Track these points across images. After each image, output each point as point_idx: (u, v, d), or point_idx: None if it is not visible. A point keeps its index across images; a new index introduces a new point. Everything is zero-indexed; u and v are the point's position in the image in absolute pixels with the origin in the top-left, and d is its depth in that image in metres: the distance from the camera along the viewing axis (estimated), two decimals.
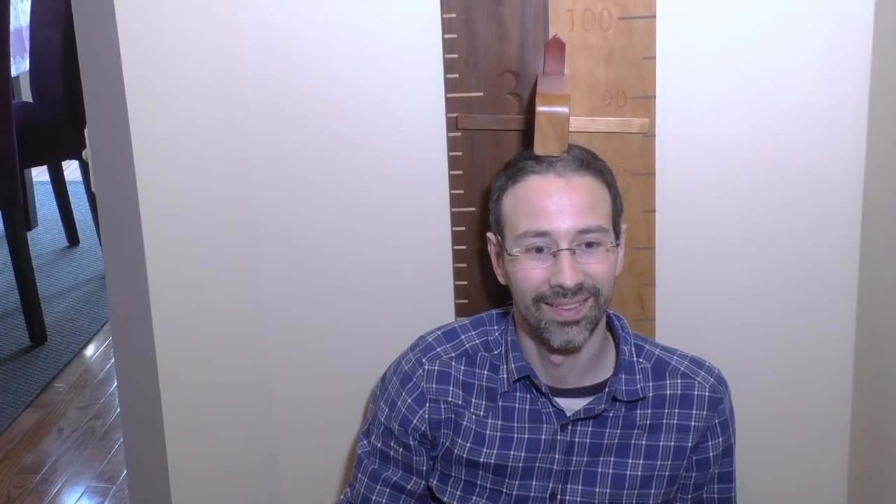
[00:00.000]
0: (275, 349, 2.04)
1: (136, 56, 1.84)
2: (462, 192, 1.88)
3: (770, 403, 2.01)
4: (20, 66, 4.23)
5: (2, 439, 3.14)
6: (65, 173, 4.35)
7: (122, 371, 2.16)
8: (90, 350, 3.67)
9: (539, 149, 1.68)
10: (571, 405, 1.70)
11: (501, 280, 1.72)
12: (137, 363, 2.05)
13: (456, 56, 1.82)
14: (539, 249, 1.60)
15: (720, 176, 1.88)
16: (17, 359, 3.60)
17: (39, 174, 4.74)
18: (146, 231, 1.93)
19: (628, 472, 1.71)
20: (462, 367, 1.74)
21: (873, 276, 1.89)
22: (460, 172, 1.87)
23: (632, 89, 1.81)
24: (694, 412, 1.73)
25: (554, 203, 1.60)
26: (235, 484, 2.06)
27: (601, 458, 1.71)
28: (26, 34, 4.19)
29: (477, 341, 1.76)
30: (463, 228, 1.90)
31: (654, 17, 1.78)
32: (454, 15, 1.80)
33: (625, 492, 1.72)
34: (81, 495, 2.89)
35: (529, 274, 1.61)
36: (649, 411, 1.71)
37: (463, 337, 1.77)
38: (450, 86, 1.83)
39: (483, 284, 1.92)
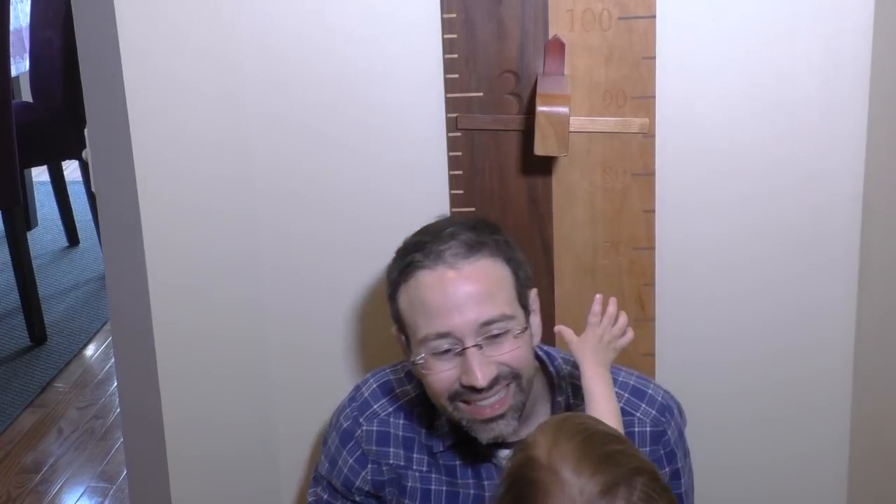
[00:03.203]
0: (275, 349, 2.04)
1: (135, 56, 1.84)
2: (462, 192, 1.88)
3: (770, 403, 2.01)
4: (20, 66, 4.23)
5: (2, 439, 3.14)
6: (65, 173, 4.35)
7: (122, 371, 2.16)
8: (90, 350, 3.67)
9: (539, 149, 1.68)
10: None
11: (410, 367, 1.60)
12: (137, 363, 2.05)
13: (456, 56, 1.82)
14: (444, 350, 1.49)
15: (720, 176, 1.88)
16: (17, 359, 3.60)
17: (39, 174, 4.74)
18: (146, 231, 1.93)
19: None
20: (401, 422, 1.65)
21: (873, 277, 1.89)
22: (460, 173, 1.87)
23: (632, 89, 1.81)
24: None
25: (449, 299, 1.48)
26: (235, 484, 2.06)
27: None
28: (26, 34, 4.19)
29: (413, 395, 1.65)
30: None
31: (654, 17, 1.79)
32: (454, 15, 1.80)
33: None
34: (81, 495, 2.89)
35: (439, 377, 1.50)
36: None
37: (399, 391, 1.67)
38: (450, 86, 1.83)
39: None
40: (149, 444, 2.05)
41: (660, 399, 1.64)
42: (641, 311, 1.91)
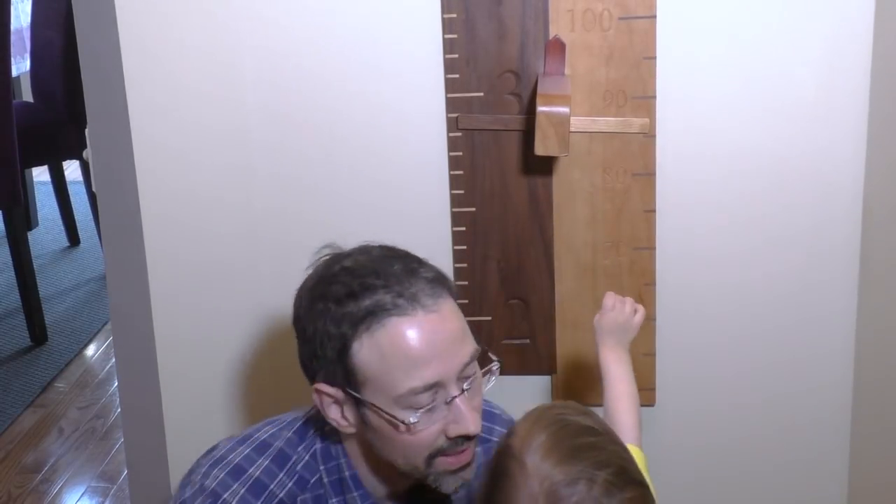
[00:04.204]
0: (275, 350, 2.04)
1: (136, 56, 1.84)
2: (462, 192, 1.88)
3: (770, 403, 2.01)
4: (21, 66, 4.22)
5: (2, 439, 3.14)
6: (65, 173, 4.35)
7: (123, 371, 2.16)
8: (91, 350, 3.67)
9: (539, 149, 1.68)
10: None
11: (343, 429, 1.39)
12: (138, 363, 2.05)
13: (456, 56, 1.82)
14: (429, 404, 1.33)
15: (720, 176, 1.88)
16: (18, 359, 3.59)
17: (40, 174, 4.74)
18: (146, 231, 1.93)
19: None
20: None
21: (874, 277, 1.89)
22: (461, 172, 1.87)
23: (632, 89, 1.81)
24: None
25: (436, 347, 1.32)
26: None
27: None
28: (27, 34, 4.18)
29: (290, 484, 1.42)
30: (463, 228, 1.90)
31: (654, 17, 1.79)
32: (455, 15, 1.80)
33: None
34: (82, 495, 2.88)
35: (426, 434, 1.33)
36: (464, 493, 1.47)
37: (273, 486, 1.41)
38: (450, 86, 1.83)
39: (483, 284, 1.92)
40: (149, 444, 2.06)
41: (500, 414, 1.58)
42: None
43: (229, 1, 1.83)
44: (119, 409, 3.09)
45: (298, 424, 1.47)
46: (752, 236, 1.91)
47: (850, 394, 1.99)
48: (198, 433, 1.99)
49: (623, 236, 1.88)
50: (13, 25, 3.77)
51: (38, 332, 3.68)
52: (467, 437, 1.35)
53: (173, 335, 1.97)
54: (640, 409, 1.60)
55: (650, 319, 1.92)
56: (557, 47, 1.78)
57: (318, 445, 1.44)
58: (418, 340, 1.31)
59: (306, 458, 1.44)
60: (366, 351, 1.32)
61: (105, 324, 3.78)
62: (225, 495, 1.39)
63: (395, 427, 1.33)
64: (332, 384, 1.36)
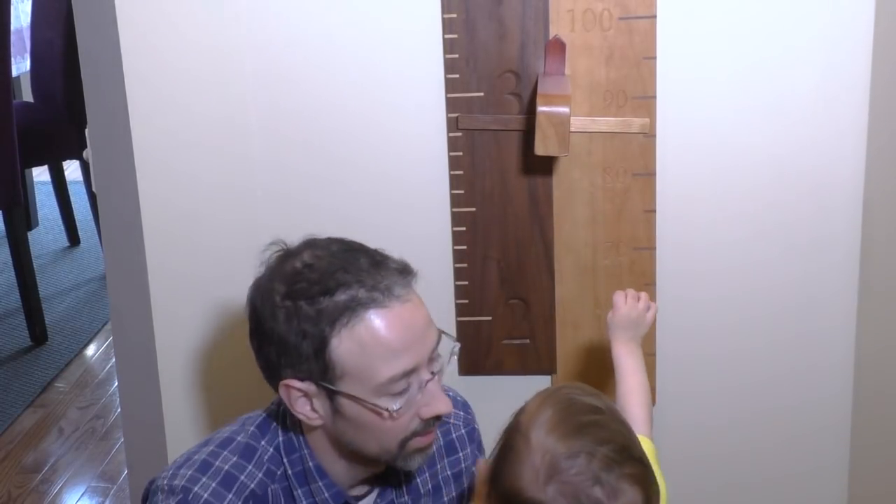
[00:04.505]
0: None
1: (136, 56, 1.84)
2: (462, 192, 1.88)
3: (770, 401, 2.01)
4: (21, 66, 4.23)
5: (2, 439, 3.14)
6: (65, 173, 4.35)
7: (123, 371, 2.16)
8: (91, 350, 3.67)
9: (540, 149, 1.68)
10: None
11: (311, 421, 1.42)
12: (137, 363, 2.05)
13: (456, 56, 1.82)
14: (403, 390, 1.38)
15: (720, 176, 1.88)
16: (18, 359, 3.60)
17: (40, 174, 4.74)
18: (146, 231, 1.93)
19: None
20: None
21: (873, 276, 1.89)
22: (461, 172, 1.87)
23: (632, 89, 1.81)
24: (461, 454, 1.61)
25: (410, 335, 1.37)
26: None
27: None
28: (27, 34, 4.19)
29: (260, 475, 1.45)
30: (463, 228, 1.90)
31: (654, 17, 1.79)
32: (455, 15, 1.80)
33: None
34: (82, 495, 2.89)
35: (402, 421, 1.38)
36: (426, 475, 1.56)
37: (243, 477, 1.43)
38: (450, 86, 1.83)
39: (483, 284, 1.92)
40: (149, 444, 2.06)
41: (460, 400, 1.62)
42: None
43: (229, 1, 1.83)
44: (119, 409, 3.09)
45: (259, 420, 1.49)
46: (752, 236, 1.92)
47: (850, 389, 1.99)
48: (198, 433, 1.99)
49: (623, 236, 1.88)
50: (13, 25, 3.78)
51: (38, 332, 3.68)
52: (437, 418, 1.41)
53: (173, 335, 1.97)
54: (650, 404, 1.65)
55: None
56: (557, 47, 1.78)
57: (280, 438, 1.47)
58: (397, 331, 1.36)
59: (270, 450, 1.46)
60: (345, 345, 1.35)
61: (105, 324, 3.78)
62: (195, 489, 1.40)
63: (379, 415, 1.37)
64: (302, 380, 1.39)
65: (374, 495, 1.53)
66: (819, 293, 1.95)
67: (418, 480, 1.55)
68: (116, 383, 3.09)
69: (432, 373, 1.40)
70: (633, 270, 1.89)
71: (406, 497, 1.54)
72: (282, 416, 1.48)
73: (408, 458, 1.42)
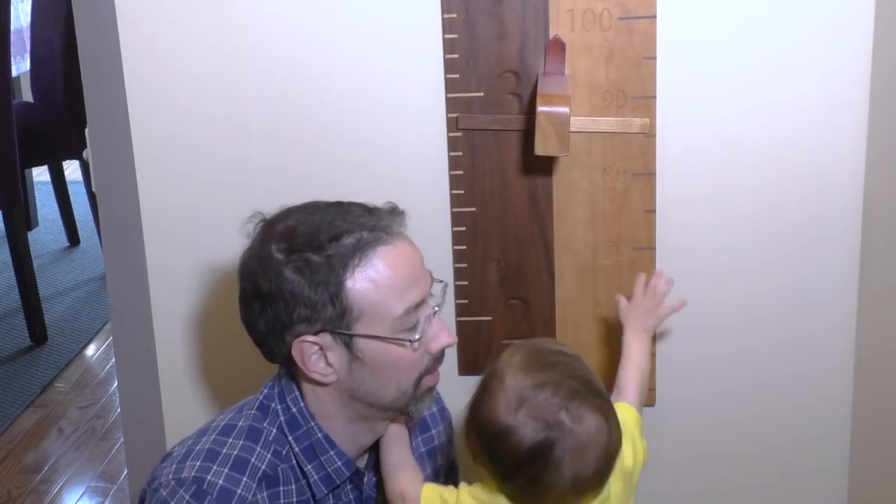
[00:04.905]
0: None
1: (136, 56, 1.84)
2: (462, 192, 1.88)
3: (770, 401, 2.01)
4: (21, 66, 4.24)
5: (2, 439, 3.14)
6: (65, 173, 4.35)
7: (123, 371, 2.17)
8: (90, 350, 3.67)
9: (540, 149, 1.68)
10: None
11: (326, 378, 1.45)
12: (137, 363, 2.05)
13: (456, 56, 1.82)
14: (415, 325, 1.44)
15: (720, 176, 1.88)
16: (18, 359, 3.60)
17: (40, 174, 4.75)
18: (146, 231, 1.93)
19: None
20: (266, 494, 1.45)
21: (874, 276, 1.89)
22: (461, 172, 1.87)
23: (632, 89, 1.81)
24: (433, 432, 1.67)
25: (415, 269, 1.44)
26: None
27: None
28: (27, 34, 4.19)
29: (268, 456, 1.47)
30: (463, 228, 1.90)
31: (654, 17, 1.78)
32: (455, 15, 1.80)
33: None
34: (82, 495, 2.89)
35: (419, 354, 1.44)
36: (421, 450, 1.63)
37: (253, 459, 1.45)
38: (450, 86, 1.83)
39: (483, 284, 1.92)
40: (149, 444, 2.06)
41: None
42: None
43: (229, 1, 1.84)
44: (119, 410, 3.09)
45: (257, 403, 1.52)
46: (752, 236, 1.92)
47: (850, 390, 1.99)
48: None
49: (623, 236, 1.88)
50: (13, 25, 3.78)
51: (38, 332, 3.69)
52: (442, 355, 1.48)
53: (173, 335, 1.97)
54: (646, 387, 1.69)
55: None
56: (557, 47, 1.78)
57: (282, 418, 1.49)
58: (403, 265, 1.43)
59: (274, 431, 1.49)
60: (360, 286, 1.40)
61: (105, 324, 3.78)
62: (209, 477, 1.41)
63: (403, 347, 1.43)
64: (316, 333, 1.42)
65: (371, 468, 1.57)
66: (819, 294, 1.95)
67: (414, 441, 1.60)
68: (116, 383, 3.09)
69: (434, 307, 1.46)
70: (633, 270, 1.88)
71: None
72: (280, 396, 1.50)
73: (420, 399, 1.48)
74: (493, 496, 1.42)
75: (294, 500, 1.48)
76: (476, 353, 1.96)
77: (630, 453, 1.50)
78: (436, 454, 1.67)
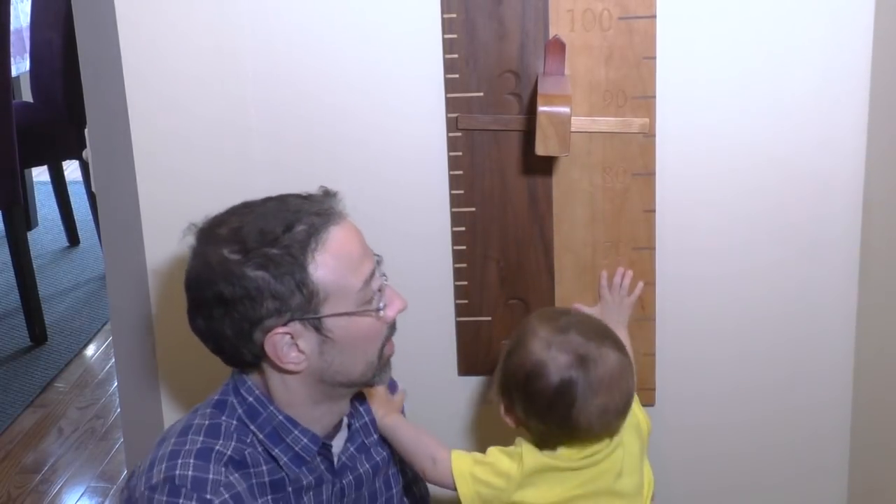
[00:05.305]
0: None
1: (136, 56, 1.84)
2: (462, 192, 1.88)
3: (770, 402, 2.01)
4: (20, 66, 4.24)
5: (2, 439, 3.14)
6: (65, 173, 4.35)
7: (122, 371, 2.17)
8: (90, 350, 3.68)
9: (540, 149, 1.68)
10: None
11: (299, 366, 1.48)
12: (137, 363, 2.05)
13: (456, 56, 1.82)
14: (374, 294, 1.49)
15: (720, 176, 1.88)
16: (18, 359, 3.60)
17: (39, 174, 4.75)
18: (146, 231, 1.93)
19: (393, 490, 1.69)
20: (238, 475, 1.47)
21: (874, 277, 1.90)
22: (460, 172, 1.87)
23: (632, 89, 1.81)
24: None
25: (362, 243, 1.50)
26: None
27: (369, 483, 1.65)
28: (26, 34, 4.19)
29: (232, 443, 1.49)
30: (463, 228, 1.90)
31: (654, 17, 1.79)
32: (454, 15, 1.80)
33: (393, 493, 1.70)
34: (82, 495, 2.89)
35: (382, 323, 1.50)
36: (359, 419, 1.66)
37: (218, 447, 1.47)
38: (450, 86, 1.83)
39: (483, 284, 1.92)
40: (149, 444, 2.05)
41: None
42: (641, 310, 1.91)
43: (230, 1, 1.84)
44: (119, 410, 3.10)
45: (213, 402, 1.55)
46: (751, 236, 1.92)
47: (850, 391, 2.00)
48: None
49: (623, 236, 1.88)
50: (13, 25, 3.78)
51: (38, 332, 3.69)
52: (394, 322, 1.53)
53: (173, 335, 1.97)
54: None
55: (650, 319, 1.92)
56: (557, 47, 1.78)
57: (240, 410, 1.52)
58: (353, 241, 1.48)
59: (234, 423, 1.51)
60: (321, 267, 1.44)
61: (105, 324, 3.78)
62: (178, 472, 1.43)
63: (369, 317, 1.48)
64: (286, 323, 1.45)
65: (343, 435, 1.61)
66: (818, 294, 1.95)
67: (367, 419, 1.66)
68: (116, 383, 3.09)
69: (383, 277, 1.52)
70: (633, 270, 1.89)
71: (361, 420, 1.65)
72: (234, 391, 1.54)
73: (383, 369, 1.54)
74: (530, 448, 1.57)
75: (266, 479, 1.51)
76: (476, 353, 1.97)
77: (642, 417, 1.66)
78: None
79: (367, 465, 1.64)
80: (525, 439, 1.58)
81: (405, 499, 1.73)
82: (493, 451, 1.59)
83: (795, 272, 1.93)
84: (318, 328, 1.46)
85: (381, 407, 1.69)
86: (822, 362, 1.99)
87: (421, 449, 1.63)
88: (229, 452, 1.48)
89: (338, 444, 1.60)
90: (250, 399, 1.52)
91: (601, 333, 1.56)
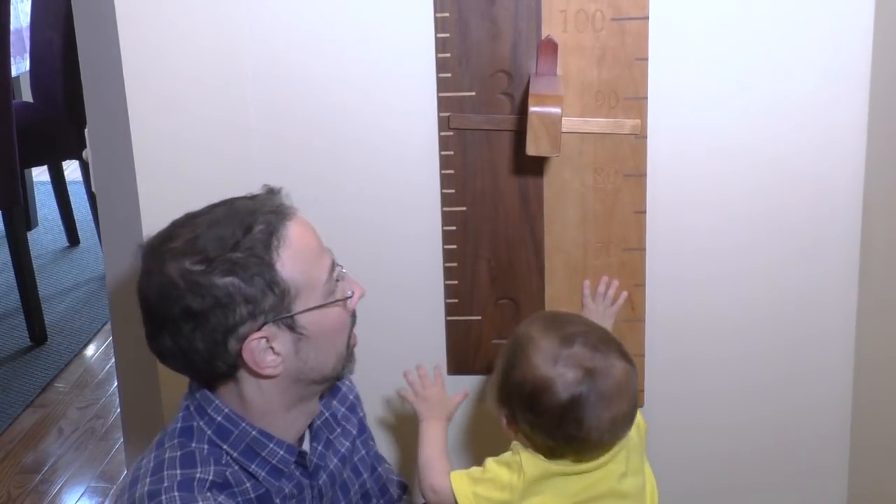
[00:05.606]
0: None
1: (136, 56, 1.85)
2: (453, 191, 1.89)
3: (765, 403, 2.02)
4: (20, 66, 4.24)
5: (2, 439, 3.14)
6: (65, 173, 4.36)
7: (122, 371, 2.17)
8: (90, 350, 3.68)
9: (531, 149, 1.69)
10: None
11: (276, 368, 1.45)
12: (137, 363, 2.06)
13: (449, 55, 1.82)
14: (336, 283, 1.49)
15: (711, 177, 1.88)
16: (18, 359, 3.60)
17: (39, 174, 4.75)
18: (146, 231, 1.93)
19: (364, 480, 1.70)
20: (224, 496, 1.45)
21: (874, 278, 1.89)
22: (452, 172, 1.88)
23: (624, 90, 1.82)
24: (343, 388, 1.71)
25: (317, 235, 1.49)
26: None
27: (344, 475, 1.66)
28: (26, 34, 4.19)
29: (211, 468, 1.45)
30: (454, 227, 1.91)
31: (646, 18, 1.79)
32: (447, 14, 1.80)
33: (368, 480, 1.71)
34: (82, 495, 2.89)
35: (346, 313, 1.50)
36: (329, 412, 1.66)
37: (199, 475, 1.44)
38: (442, 85, 1.84)
39: (473, 283, 1.93)
40: (149, 444, 2.06)
41: None
42: (632, 311, 1.92)
43: (228, 1, 1.85)
44: (119, 410, 3.10)
45: (176, 430, 1.50)
46: (744, 238, 1.92)
47: (849, 391, 2.00)
48: None
49: (613, 237, 1.88)
50: (13, 25, 3.78)
51: (37, 332, 3.68)
52: (355, 311, 1.53)
53: None
54: None
55: (640, 320, 1.93)
56: (550, 48, 1.79)
57: (208, 432, 1.48)
58: (309, 234, 1.47)
59: (206, 447, 1.47)
60: (287, 263, 1.42)
61: (105, 324, 3.78)
62: (163, 498, 1.40)
63: (338, 307, 1.48)
64: (260, 327, 1.42)
65: (307, 439, 1.59)
66: (818, 294, 1.95)
67: (327, 415, 1.64)
68: (116, 383, 3.10)
69: (340, 267, 1.50)
70: (623, 271, 1.89)
71: (321, 418, 1.63)
72: (199, 412, 1.49)
73: (349, 360, 1.54)
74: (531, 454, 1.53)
75: (252, 496, 1.48)
76: (465, 352, 1.97)
77: (639, 417, 1.61)
78: (356, 408, 1.72)
79: (336, 459, 1.63)
80: (523, 446, 1.54)
81: (374, 484, 1.73)
82: (491, 465, 1.55)
83: (794, 274, 1.93)
84: (291, 327, 1.44)
85: (426, 408, 1.70)
86: (822, 362, 1.99)
87: (426, 474, 1.61)
88: (211, 477, 1.44)
89: (305, 446, 1.58)
90: (219, 418, 1.47)
91: (605, 341, 1.51)
